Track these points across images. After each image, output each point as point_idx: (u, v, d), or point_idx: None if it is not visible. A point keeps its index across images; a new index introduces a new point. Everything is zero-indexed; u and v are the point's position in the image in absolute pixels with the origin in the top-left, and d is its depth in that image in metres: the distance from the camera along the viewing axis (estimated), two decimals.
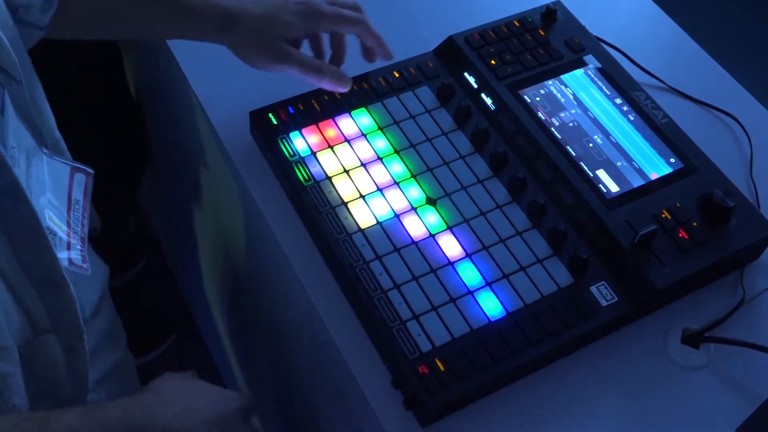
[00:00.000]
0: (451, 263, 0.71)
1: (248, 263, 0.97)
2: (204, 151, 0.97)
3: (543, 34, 0.88)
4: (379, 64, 0.85)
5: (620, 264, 0.72)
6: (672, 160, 0.79)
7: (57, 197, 0.63)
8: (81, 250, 0.63)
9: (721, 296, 0.76)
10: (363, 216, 0.74)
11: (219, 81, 0.86)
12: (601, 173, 0.77)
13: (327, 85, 0.77)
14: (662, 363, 0.72)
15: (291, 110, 0.80)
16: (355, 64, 0.84)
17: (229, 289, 1.10)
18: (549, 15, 0.90)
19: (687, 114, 0.88)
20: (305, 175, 0.76)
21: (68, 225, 0.63)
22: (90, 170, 0.68)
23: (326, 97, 0.82)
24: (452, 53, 0.86)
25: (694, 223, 0.74)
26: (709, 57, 0.97)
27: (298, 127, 0.79)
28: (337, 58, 0.81)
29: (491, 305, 0.69)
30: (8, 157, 0.55)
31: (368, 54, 0.81)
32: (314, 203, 0.74)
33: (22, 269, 0.58)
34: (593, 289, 0.71)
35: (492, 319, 0.68)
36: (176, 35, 0.80)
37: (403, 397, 0.66)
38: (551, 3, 0.90)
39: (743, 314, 0.74)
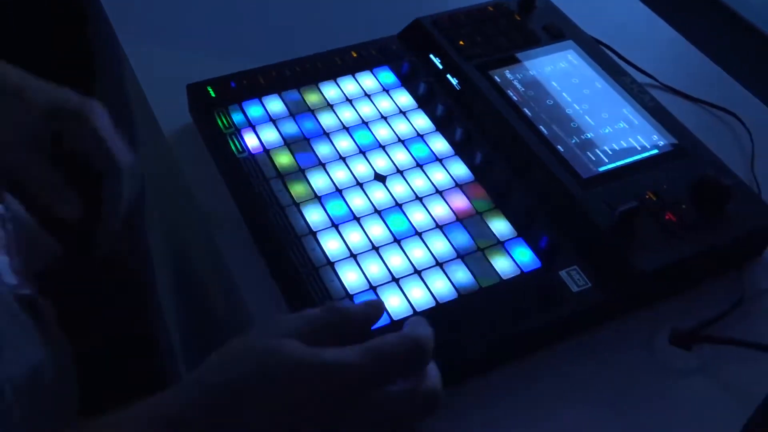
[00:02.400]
0: (397, 240, 0.61)
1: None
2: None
3: (519, 18, 0.80)
4: (336, 44, 0.78)
5: (596, 247, 0.61)
6: (660, 143, 0.69)
7: None
8: None
9: (715, 297, 0.64)
10: (300, 190, 0.64)
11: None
12: (577, 154, 0.68)
13: None
14: (648, 366, 0.61)
15: (233, 84, 0.72)
16: (306, 42, 0.77)
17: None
18: (527, 2, 0.82)
19: (682, 111, 0.79)
20: (239, 147, 0.67)
21: None
22: None
23: (273, 73, 0.74)
24: (418, 36, 0.79)
25: (684, 206, 0.64)
26: (705, 56, 0.88)
27: (238, 101, 0.71)
28: None
29: (441, 286, 0.59)
30: None
31: None
32: (246, 175, 0.65)
33: None
34: (563, 273, 0.61)
35: (441, 301, 0.58)
36: None
37: None
38: None
39: (740, 315, 0.63)
